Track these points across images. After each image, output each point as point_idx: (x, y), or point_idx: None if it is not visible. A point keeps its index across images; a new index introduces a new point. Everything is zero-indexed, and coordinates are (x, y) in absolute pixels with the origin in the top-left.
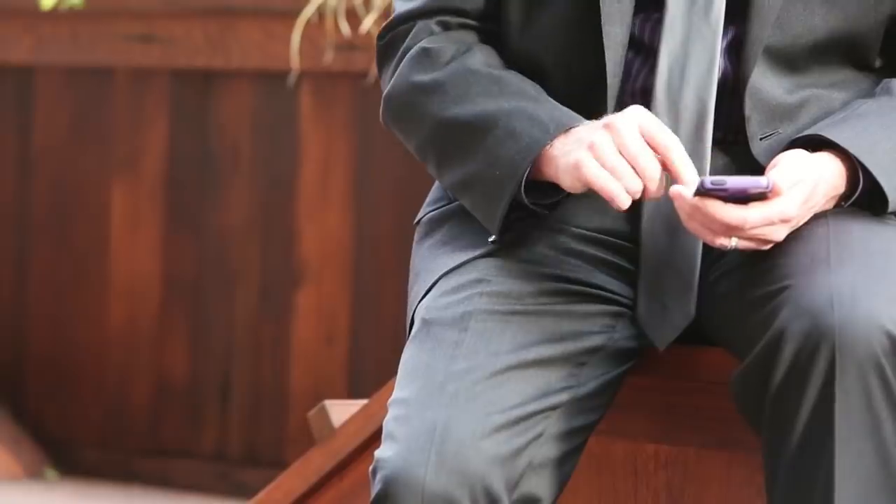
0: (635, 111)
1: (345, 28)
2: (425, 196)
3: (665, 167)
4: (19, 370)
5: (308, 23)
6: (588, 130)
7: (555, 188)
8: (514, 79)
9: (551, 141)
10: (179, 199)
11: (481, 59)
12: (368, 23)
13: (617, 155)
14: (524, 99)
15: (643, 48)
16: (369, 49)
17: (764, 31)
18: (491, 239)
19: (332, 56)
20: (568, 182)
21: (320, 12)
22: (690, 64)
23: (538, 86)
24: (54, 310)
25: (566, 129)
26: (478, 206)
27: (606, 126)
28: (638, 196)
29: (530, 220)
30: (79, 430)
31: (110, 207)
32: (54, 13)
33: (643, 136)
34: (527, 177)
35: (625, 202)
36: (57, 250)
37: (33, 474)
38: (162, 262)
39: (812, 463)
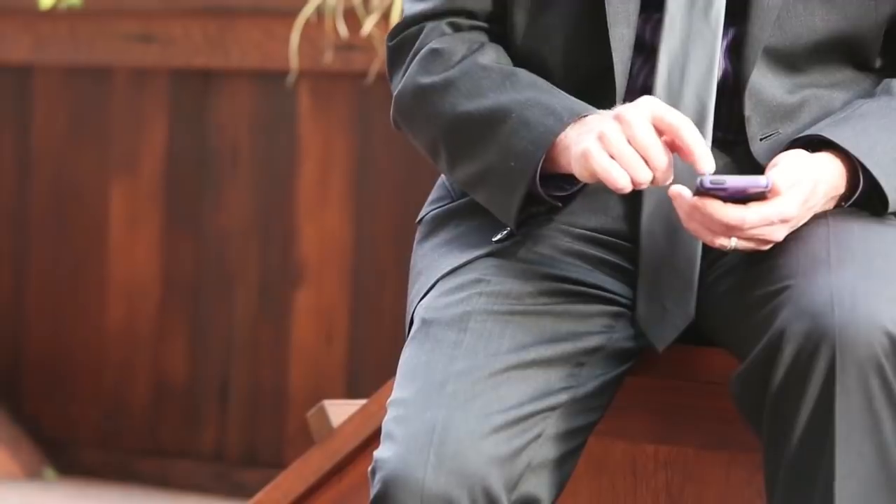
0: (646, 101)
1: (343, 28)
2: (425, 195)
3: (676, 148)
4: (18, 370)
5: (307, 23)
6: (599, 120)
7: (570, 181)
8: (525, 74)
9: (565, 129)
10: (178, 199)
11: (492, 56)
12: (369, 26)
13: (625, 144)
14: (537, 91)
15: (644, 48)
16: (368, 49)
17: (764, 31)
18: (495, 238)
19: (331, 56)
20: (578, 171)
21: (319, 12)
22: (690, 64)
23: (548, 82)
24: (53, 310)
25: (580, 117)
26: (493, 200)
27: (617, 117)
28: (645, 186)
29: (543, 217)
30: (77, 430)
31: (109, 207)
32: (53, 12)
33: (654, 122)
34: (543, 169)
35: (627, 189)
36: (56, 250)
37: (32, 474)
38: (161, 262)
39: (812, 463)
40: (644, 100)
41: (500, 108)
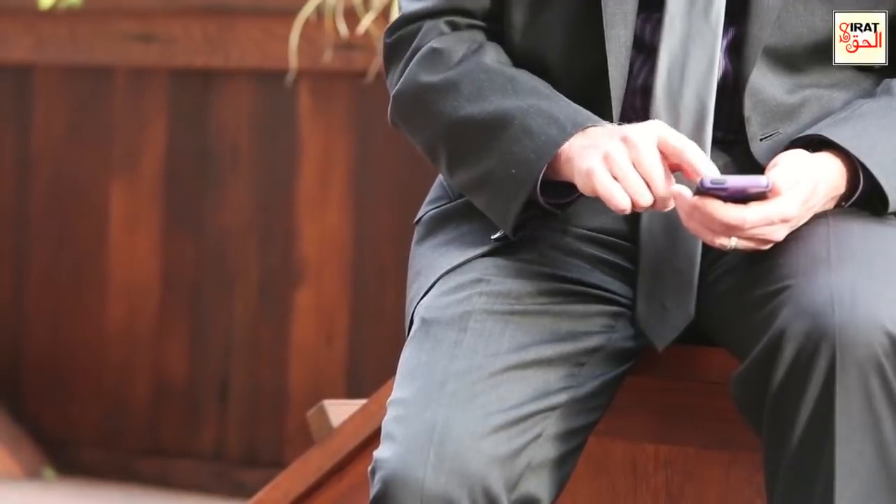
0: (654, 125)
1: (343, 27)
2: (424, 195)
3: (680, 169)
4: (18, 370)
5: (307, 22)
6: (605, 136)
7: (567, 187)
8: (527, 77)
9: (568, 140)
10: (178, 199)
11: (493, 57)
12: (367, 22)
13: (630, 167)
14: (539, 97)
15: (644, 47)
16: (368, 48)
17: (764, 31)
18: (494, 236)
19: (330, 55)
20: (580, 186)
21: (319, 11)
22: (690, 63)
23: (549, 85)
24: (53, 309)
25: (583, 128)
26: (491, 205)
27: (624, 139)
28: (645, 210)
29: (540, 220)
30: (77, 429)
31: (109, 207)
32: (53, 12)
33: (659, 146)
34: (542, 176)
35: (627, 212)
36: (56, 250)
37: (31, 474)
38: (161, 262)
39: (812, 463)
40: (651, 123)
41: (503, 113)
